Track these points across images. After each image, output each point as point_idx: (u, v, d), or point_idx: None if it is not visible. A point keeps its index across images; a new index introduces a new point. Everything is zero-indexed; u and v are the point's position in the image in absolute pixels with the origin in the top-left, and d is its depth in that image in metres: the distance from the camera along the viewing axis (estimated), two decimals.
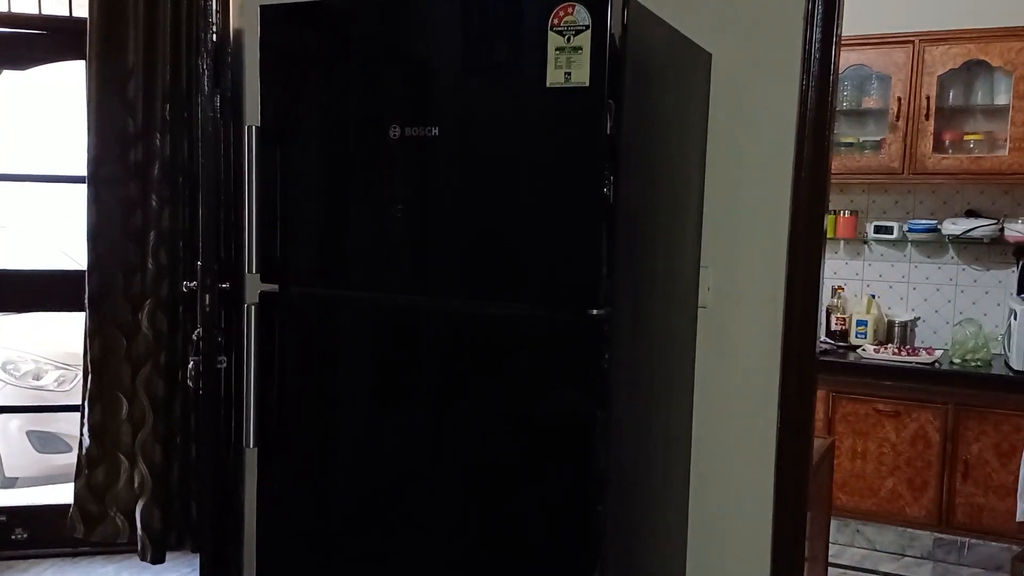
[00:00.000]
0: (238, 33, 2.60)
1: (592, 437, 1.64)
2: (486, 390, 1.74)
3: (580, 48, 1.53)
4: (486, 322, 1.72)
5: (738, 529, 2.20)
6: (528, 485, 1.71)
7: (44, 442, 4.13)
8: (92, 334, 3.11)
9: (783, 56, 2.08)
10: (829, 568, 3.39)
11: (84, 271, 3.09)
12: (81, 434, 3.17)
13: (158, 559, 3.17)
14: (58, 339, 4.16)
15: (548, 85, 1.57)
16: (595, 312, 1.61)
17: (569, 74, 1.54)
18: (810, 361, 2.16)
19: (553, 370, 1.67)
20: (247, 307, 1.90)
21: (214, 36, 2.56)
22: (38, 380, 4.21)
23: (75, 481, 3.18)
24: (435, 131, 1.70)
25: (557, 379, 1.67)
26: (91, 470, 3.16)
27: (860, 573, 3.77)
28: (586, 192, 1.59)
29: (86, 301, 3.09)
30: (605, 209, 1.58)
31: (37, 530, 3.42)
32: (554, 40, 1.55)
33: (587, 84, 1.54)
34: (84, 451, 3.16)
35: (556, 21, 1.54)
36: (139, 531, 3.15)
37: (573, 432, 1.65)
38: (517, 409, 1.70)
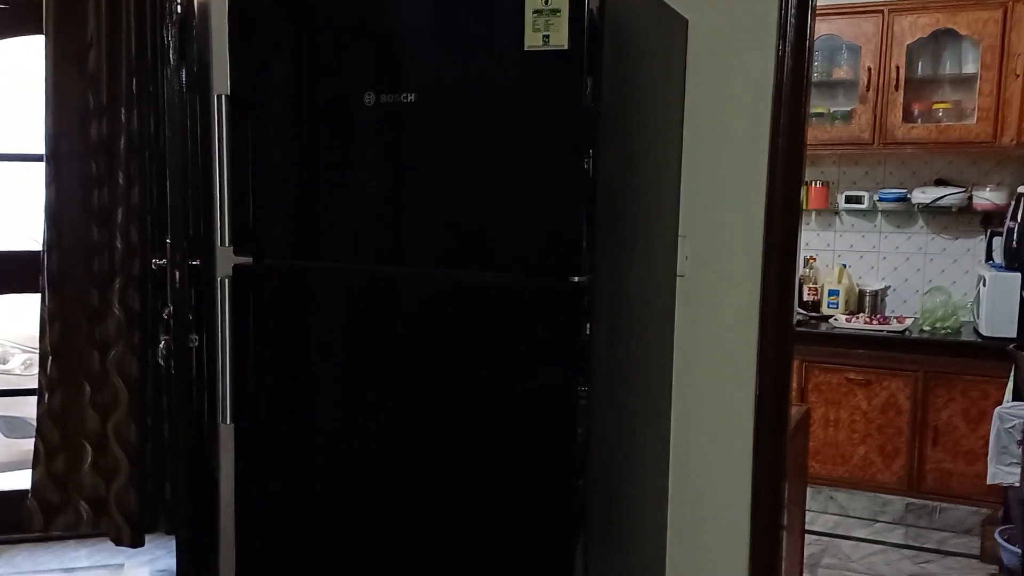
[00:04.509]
0: (204, 4, 2.53)
1: (571, 407, 1.62)
2: (465, 361, 1.72)
3: (558, 10, 1.50)
4: (465, 291, 1.70)
5: (718, 498, 2.21)
6: (508, 458, 1.69)
7: (12, 427, 4.06)
8: (51, 317, 3.03)
9: (759, 23, 2.06)
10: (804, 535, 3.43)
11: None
12: (38, 421, 3.09)
13: (137, 542, 3.12)
14: (23, 322, 4.07)
15: (526, 48, 1.54)
16: (575, 280, 1.60)
17: (548, 36, 1.52)
18: (787, 329, 2.17)
19: (532, 340, 1.65)
20: (220, 280, 1.87)
21: (179, 7, 2.50)
22: (4, 364, 4.13)
23: (32, 470, 3.10)
24: (411, 98, 1.67)
25: (536, 349, 1.65)
26: (51, 458, 3.09)
27: (834, 539, 3.82)
28: (565, 157, 1.56)
29: (44, 282, 3.01)
30: (584, 175, 1.56)
31: (7, 515, 3.36)
32: (532, 2, 1.52)
33: (566, 46, 1.51)
34: (42, 439, 3.08)
35: None
36: (115, 515, 3.10)
37: (552, 402, 1.64)
38: (496, 380, 1.68)
